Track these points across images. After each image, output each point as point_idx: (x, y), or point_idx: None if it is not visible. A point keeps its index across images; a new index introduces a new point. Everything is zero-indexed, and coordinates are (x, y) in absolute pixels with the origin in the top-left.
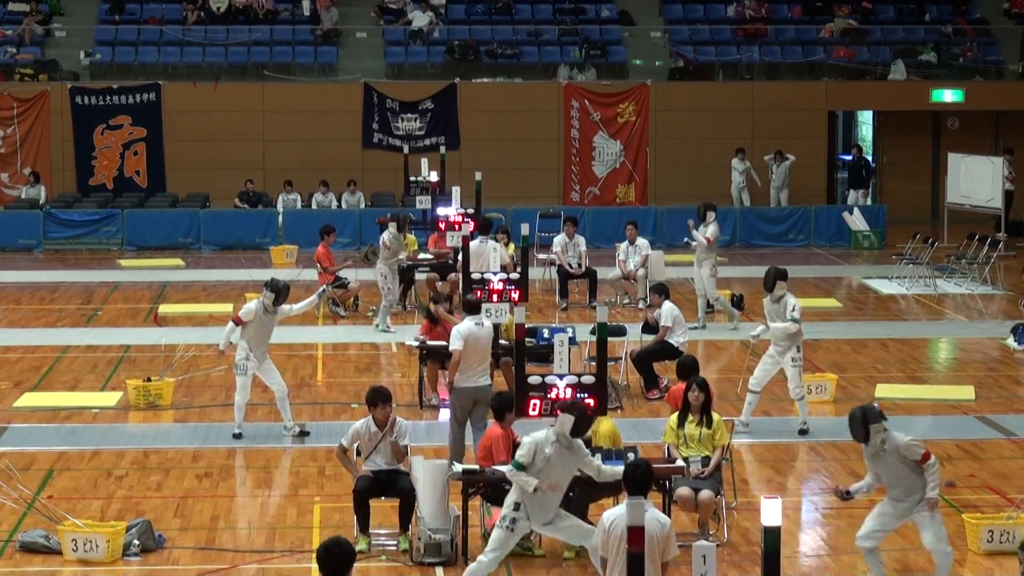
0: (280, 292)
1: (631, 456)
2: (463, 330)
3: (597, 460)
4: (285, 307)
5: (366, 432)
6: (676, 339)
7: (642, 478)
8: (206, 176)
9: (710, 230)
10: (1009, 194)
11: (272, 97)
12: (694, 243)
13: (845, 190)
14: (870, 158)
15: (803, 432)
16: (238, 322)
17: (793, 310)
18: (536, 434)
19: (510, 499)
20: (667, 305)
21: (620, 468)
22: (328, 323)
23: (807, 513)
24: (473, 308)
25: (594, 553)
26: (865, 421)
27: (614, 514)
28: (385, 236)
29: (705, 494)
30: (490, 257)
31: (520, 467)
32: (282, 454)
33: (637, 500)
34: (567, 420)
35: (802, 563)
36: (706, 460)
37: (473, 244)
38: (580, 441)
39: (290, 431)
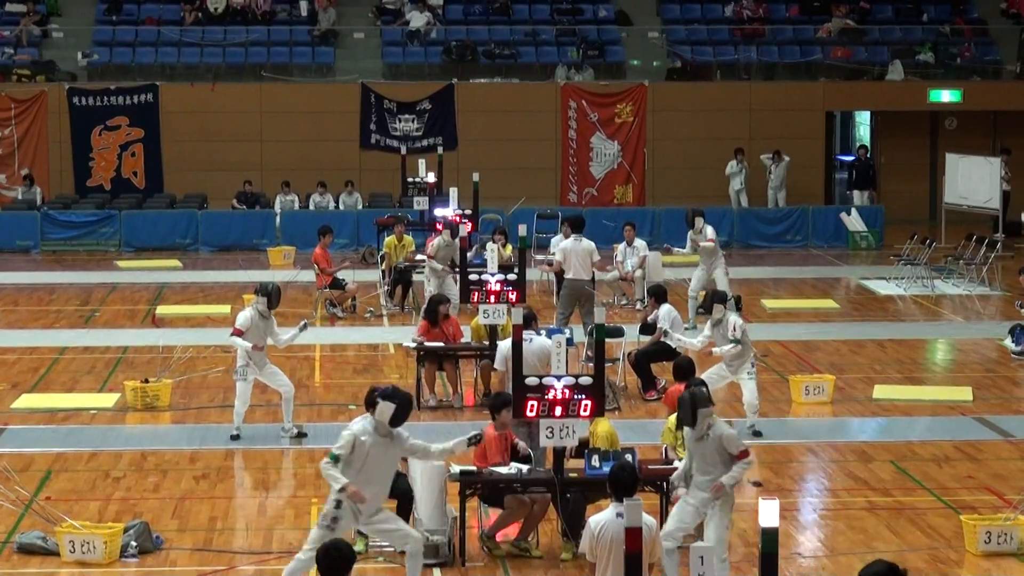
0: (271, 295)
1: (628, 457)
2: (507, 347)
3: (415, 439)
4: (278, 332)
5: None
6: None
7: (628, 480)
8: (204, 177)
9: (710, 231)
10: (1006, 194)
11: (270, 98)
12: (681, 250)
13: (846, 190)
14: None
15: (757, 434)
16: (239, 333)
17: (734, 330)
18: (354, 424)
19: (332, 496)
20: (665, 306)
21: (451, 443)
22: (326, 324)
23: (804, 514)
24: (524, 323)
25: (414, 559)
26: (694, 405)
27: (602, 519)
28: (438, 241)
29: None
30: (585, 256)
31: (336, 459)
32: (280, 455)
33: (634, 502)
34: (387, 408)
35: (799, 564)
36: None
37: (567, 243)
38: (400, 429)
39: (288, 432)
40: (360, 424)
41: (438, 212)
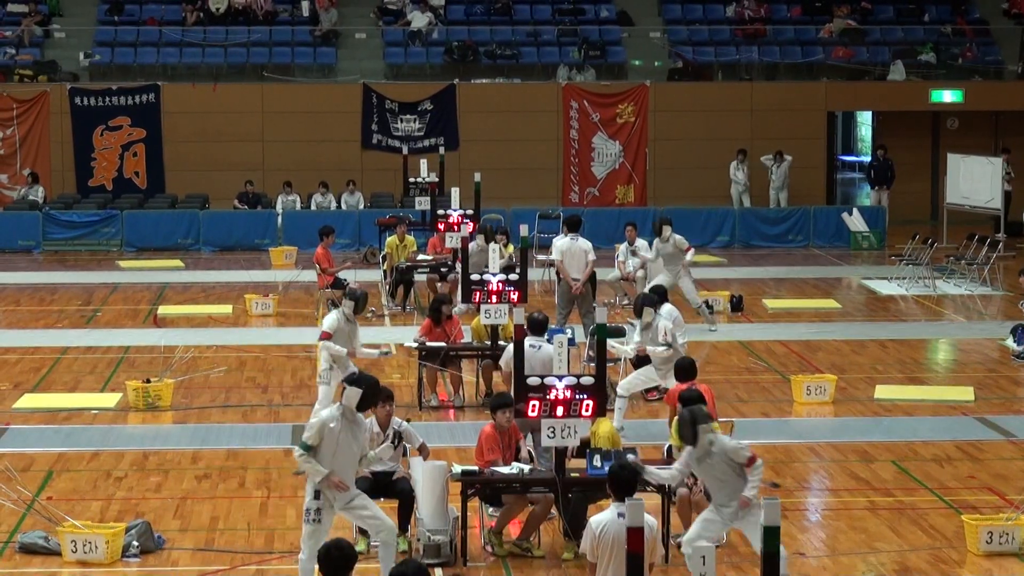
0: (359, 300)
1: (630, 457)
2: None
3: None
4: (360, 339)
5: (369, 433)
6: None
7: (628, 480)
8: (205, 177)
9: (679, 239)
10: (1008, 194)
11: (271, 98)
12: (647, 256)
13: (871, 189)
14: (868, 158)
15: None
16: (327, 337)
17: (665, 335)
18: (322, 413)
19: (309, 488)
20: (666, 307)
21: (386, 446)
22: None
23: (806, 514)
24: (537, 328)
25: (387, 548)
26: (694, 422)
27: (603, 519)
28: (471, 248)
29: (698, 493)
30: (580, 256)
31: (307, 447)
32: (281, 455)
33: (635, 502)
34: (354, 393)
35: (800, 564)
36: None
37: (563, 242)
38: (362, 415)
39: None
40: (328, 411)
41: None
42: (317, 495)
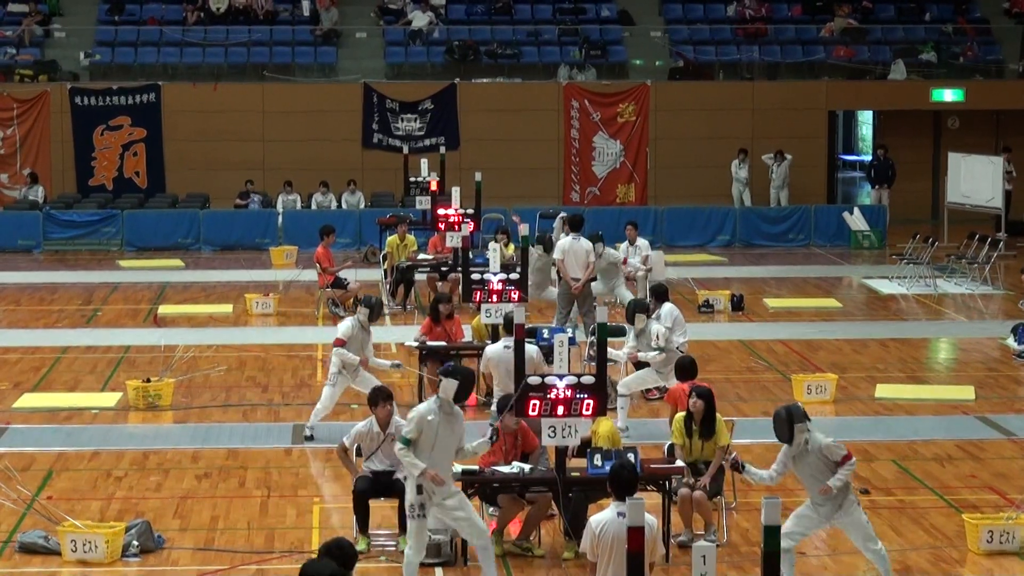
0: (374, 308)
1: (631, 457)
2: (490, 353)
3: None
4: (372, 349)
5: (368, 433)
6: (676, 340)
7: (628, 480)
8: (206, 177)
9: (612, 253)
10: (1008, 194)
11: (272, 97)
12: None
13: (871, 188)
14: (869, 157)
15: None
16: (342, 344)
17: (658, 339)
18: (419, 407)
19: (411, 484)
20: (667, 306)
21: (475, 444)
22: (328, 324)
23: None
24: (512, 327)
25: (485, 552)
26: (790, 420)
27: (603, 519)
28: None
29: (699, 492)
30: (581, 255)
31: (407, 442)
32: (282, 455)
33: (636, 501)
34: (451, 385)
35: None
36: (707, 464)
37: (565, 242)
38: (459, 408)
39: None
40: (425, 405)
41: (442, 212)
42: (420, 490)
